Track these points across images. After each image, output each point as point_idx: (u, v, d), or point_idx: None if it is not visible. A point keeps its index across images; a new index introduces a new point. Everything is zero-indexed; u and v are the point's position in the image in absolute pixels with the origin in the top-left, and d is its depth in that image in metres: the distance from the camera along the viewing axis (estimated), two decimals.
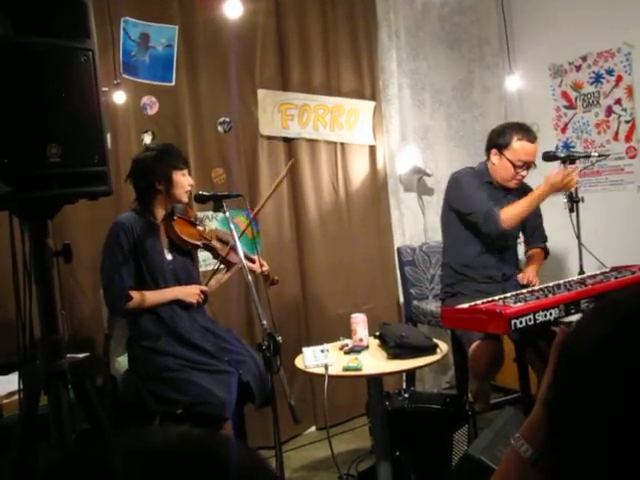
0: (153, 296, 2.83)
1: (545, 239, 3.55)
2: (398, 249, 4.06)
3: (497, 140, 3.28)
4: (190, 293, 2.91)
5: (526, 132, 3.24)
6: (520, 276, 3.33)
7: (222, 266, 3.10)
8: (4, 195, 1.52)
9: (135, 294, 2.78)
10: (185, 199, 2.93)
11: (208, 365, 2.75)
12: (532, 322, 2.48)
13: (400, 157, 4.27)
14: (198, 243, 2.98)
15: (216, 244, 3.01)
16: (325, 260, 3.95)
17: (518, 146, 3.20)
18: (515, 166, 3.22)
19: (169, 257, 2.92)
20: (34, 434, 1.64)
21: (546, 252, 3.55)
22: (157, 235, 2.90)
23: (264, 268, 2.98)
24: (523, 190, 3.35)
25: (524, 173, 3.25)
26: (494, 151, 3.28)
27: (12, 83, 1.52)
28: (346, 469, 3.15)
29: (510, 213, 3.18)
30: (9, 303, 2.34)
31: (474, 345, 2.98)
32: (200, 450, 0.57)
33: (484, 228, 3.23)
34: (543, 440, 0.72)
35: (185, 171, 2.90)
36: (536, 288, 2.89)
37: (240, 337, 3.10)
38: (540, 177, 3.26)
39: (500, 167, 3.27)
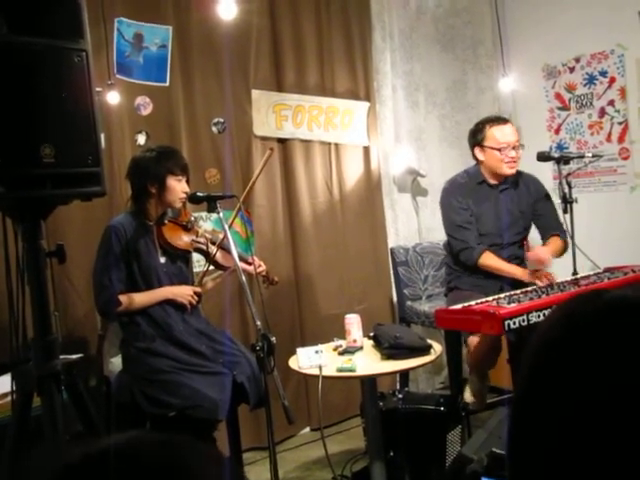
0: (142, 297, 2.79)
1: (562, 229, 3.28)
2: (391, 249, 4.06)
3: (475, 138, 3.34)
4: (182, 294, 2.87)
5: (496, 118, 3.35)
6: (529, 254, 3.15)
7: (214, 268, 3.07)
8: None
9: (124, 298, 2.75)
10: (178, 205, 2.87)
11: (202, 367, 2.73)
12: (525, 323, 2.49)
13: (394, 158, 4.28)
14: (188, 249, 2.93)
15: (210, 248, 2.93)
16: (319, 260, 3.95)
17: (494, 131, 3.25)
18: (500, 150, 3.23)
19: (162, 260, 2.89)
20: (27, 436, 1.63)
21: (564, 242, 3.28)
22: (151, 238, 2.86)
23: (260, 269, 2.97)
24: (522, 185, 3.37)
25: (513, 154, 3.23)
26: (477, 149, 3.32)
27: (5, 83, 1.52)
28: (340, 470, 3.15)
29: (490, 262, 3.19)
30: (2, 304, 2.33)
31: (474, 336, 3.01)
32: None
33: (460, 256, 3.28)
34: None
35: (181, 178, 2.84)
36: (529, 289, 2.90)
37: (234, 338, 3.09)
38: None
39: (489, 159, 3.28)
